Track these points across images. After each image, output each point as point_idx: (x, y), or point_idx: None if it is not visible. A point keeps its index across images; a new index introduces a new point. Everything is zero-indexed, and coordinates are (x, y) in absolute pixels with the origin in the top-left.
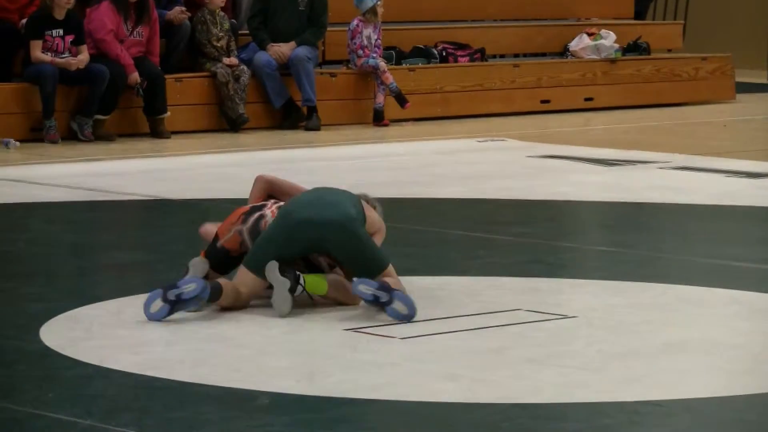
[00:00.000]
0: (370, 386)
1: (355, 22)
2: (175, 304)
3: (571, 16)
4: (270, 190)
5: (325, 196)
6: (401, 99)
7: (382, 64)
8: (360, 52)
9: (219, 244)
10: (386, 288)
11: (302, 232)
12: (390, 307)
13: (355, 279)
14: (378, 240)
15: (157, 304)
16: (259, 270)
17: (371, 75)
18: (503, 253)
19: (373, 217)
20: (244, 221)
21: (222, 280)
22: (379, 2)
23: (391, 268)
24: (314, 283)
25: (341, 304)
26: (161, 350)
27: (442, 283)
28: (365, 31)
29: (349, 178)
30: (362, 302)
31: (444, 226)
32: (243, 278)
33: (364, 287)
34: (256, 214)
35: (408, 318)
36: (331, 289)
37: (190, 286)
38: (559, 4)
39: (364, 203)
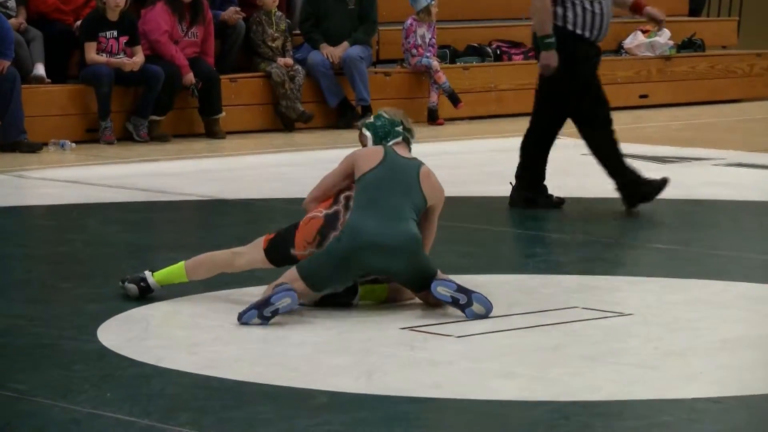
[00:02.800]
0: (428, 384)
1: (409, 21)
2: (271, 318)
3: (625, 13)
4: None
5: (387, 207)
6: (454, 98)
7: (435, 63)
8: (414, 51)
9: (293, 252)
10: (464, 290)
11: (366, 257)
12: (469, 308)
13: (434, 282)
14: (438, 209)
15: (255, 323)
16: (313, 284)
17: (425, 74)
18: (559, 251)
19: (436, 185)
20: (320, 244)
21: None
22: (433, 2)
23: (438, 272)
24: (370, 293)
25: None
26: (218, 350)
27: (499, 281)
28: (419, 30)
29: None
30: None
31: (499, 224)
32: (294, 281)
33: (443, 289)
34: (332, 236)
35: (485, 317)
36: (390, 295)
37: (284, 301)
38: (613, 2)
39: (423, 174)
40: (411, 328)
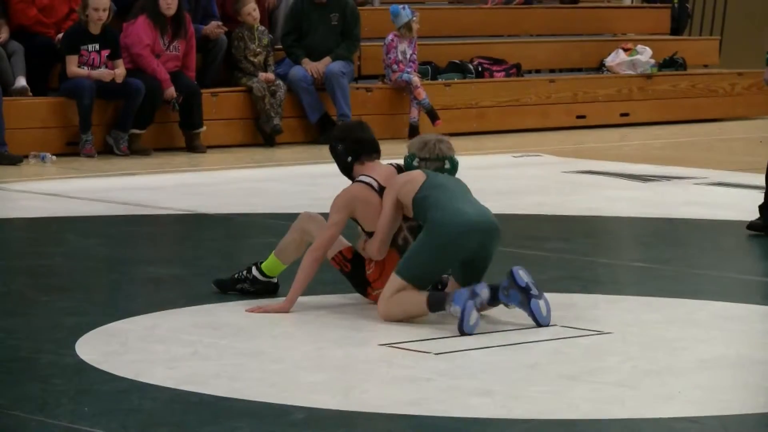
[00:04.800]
0: (406, 402)
1: (390, 36)
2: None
3: (607, 32)
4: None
5: (467, 196)
6: (432, 115)
7: (416, 79)
8: (395, 66)
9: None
10: (538, 286)
11: (469, 239)
12: (537, 301)
13: (515, 267)
14: None
15: (474, 316)
16: (421, 284)
17: (405, 90)
18: (538, 269)
19: None
20: None
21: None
22: (414, 18)
23: None
24: None
25: None
26: (196, 365)
27: None
28: (400, 46)
29: None
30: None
31: None
32: (401, 288)
33: (524, 273)
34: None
35: (544, 323)
36: None
37: (485, 291)
38: (595, 20)
39: None
40: (390, 345)
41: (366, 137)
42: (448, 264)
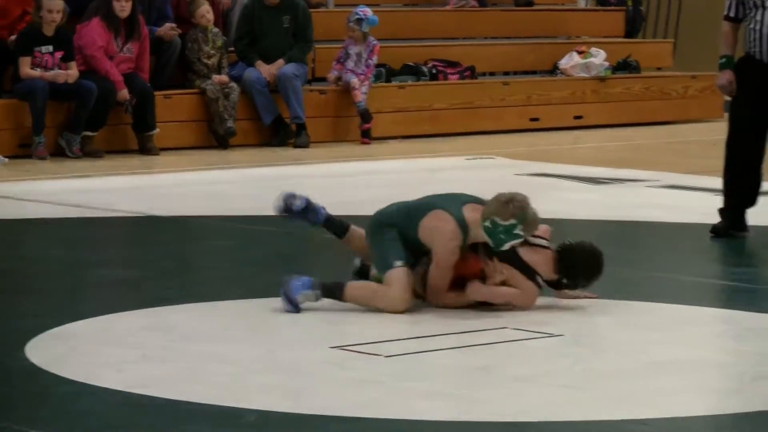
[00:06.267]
0: (356, 404)
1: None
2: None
3: (561, 34)
4: None
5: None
6: (365, 117)
7: (355, 81)
8: (334, 63)
9: None
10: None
11: None
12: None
13: None
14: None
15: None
16: None
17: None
18: None
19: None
20: None
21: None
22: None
23: (391, 275)
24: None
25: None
26: (148, 368)
27: (421, 302)
28: (354, 48)
29: (337, 195)
30: None
31: None
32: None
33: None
34: None
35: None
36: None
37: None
38: (549, 22)
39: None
40: (341, 347)
41: None
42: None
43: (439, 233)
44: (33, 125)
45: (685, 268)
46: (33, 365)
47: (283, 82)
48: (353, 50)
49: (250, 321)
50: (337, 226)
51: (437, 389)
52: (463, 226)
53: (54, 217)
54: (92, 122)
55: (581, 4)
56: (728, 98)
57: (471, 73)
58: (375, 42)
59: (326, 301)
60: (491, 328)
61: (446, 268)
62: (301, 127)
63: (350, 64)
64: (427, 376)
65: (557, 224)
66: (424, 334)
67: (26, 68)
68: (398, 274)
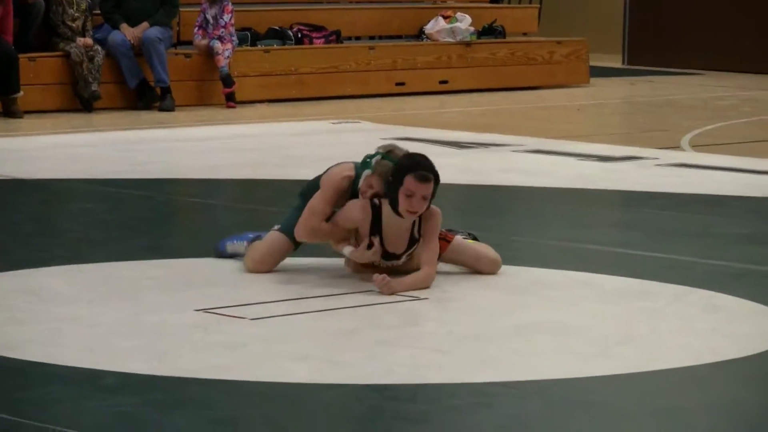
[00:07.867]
0: (220, 367)
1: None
2: None
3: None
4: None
5: None
6: (227, 82)
7: (218, 45)
8: (196, 29)
9: None
10: None
11: None
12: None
13: None
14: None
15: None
16: None
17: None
18: None
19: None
20: None
21: None
22: None
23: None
24: None
25: None
26: (12, 330)
27: (294, 265)
28: (210, 11)
29: (203, 159)
30: None
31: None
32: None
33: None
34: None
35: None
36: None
37: None
38: None
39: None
40: (205, 310)
41: None
42: None
43: (334, 168)
44: None
45: (547, 233)
46: None
47: (147, 46)
48: (209, 13)
49: (115, 284)
50: None
51: (303, 352)
52: (358, 172)
53: None
54: None
55: None
56: None
57: (336, 37)
58: (226, 2)
59: (194, 262)
60: (358, 292)
61: (330, 192)
62: (166, 91)
63: (210, 28)
64: (291, 339)
65: None
66: (291, 297)
67: None
68: (268, 237)
